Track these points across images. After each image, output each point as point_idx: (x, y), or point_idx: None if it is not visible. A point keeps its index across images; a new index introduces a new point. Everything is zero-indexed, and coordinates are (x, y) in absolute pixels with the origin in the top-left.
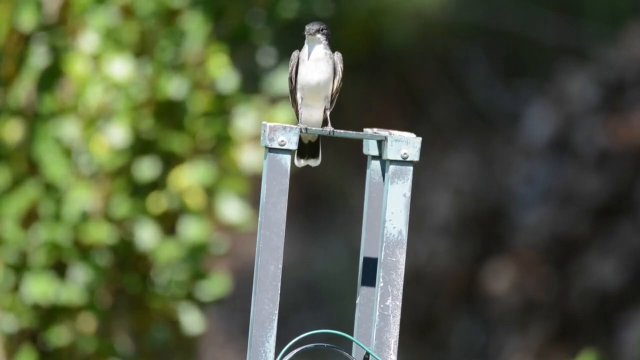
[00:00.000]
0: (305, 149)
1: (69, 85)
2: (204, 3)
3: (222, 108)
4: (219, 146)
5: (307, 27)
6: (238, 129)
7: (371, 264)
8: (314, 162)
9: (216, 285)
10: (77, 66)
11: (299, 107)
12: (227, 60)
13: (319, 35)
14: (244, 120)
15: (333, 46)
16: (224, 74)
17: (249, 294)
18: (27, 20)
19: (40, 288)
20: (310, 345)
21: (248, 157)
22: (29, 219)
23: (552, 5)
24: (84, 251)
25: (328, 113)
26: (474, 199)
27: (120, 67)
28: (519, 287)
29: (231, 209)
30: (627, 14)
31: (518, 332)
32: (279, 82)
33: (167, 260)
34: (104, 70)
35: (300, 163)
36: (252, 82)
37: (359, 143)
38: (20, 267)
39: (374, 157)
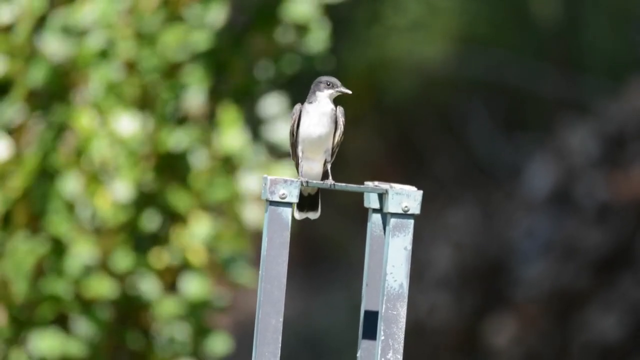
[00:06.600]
0: (305, 201)
1: (72, 140)
2: (205, 57)
3: (227, 166)
4: (222, 203)
5: (333, 81)
6: (242, 186)
7: (372, 318)
8: (313, 215)
9: (218, 343)
10: (83, 121)
11: (299, 160)
12: (236, 118)
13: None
14: (248, 177)
15: (335, 99)
16: (231, 132)
17: (249, 348)
18: (40, 77)
19: (47, 343)
20: None
21: (251, 214)
22: (34, 273)
23: (553, 59)
24: (86, 305)
25: (329, 166)
26: (475, 253)
27: (127, 123)
28: (520, 341)
29: (233, 267)
30: (628, 67)
31: None
32: (280, 133)
33: (168, 317)
34: (110, 125)
35: (300, 215)
36: (254, 134)
37: (360, 196)
38: (25, 322)
39: (375, 211)
